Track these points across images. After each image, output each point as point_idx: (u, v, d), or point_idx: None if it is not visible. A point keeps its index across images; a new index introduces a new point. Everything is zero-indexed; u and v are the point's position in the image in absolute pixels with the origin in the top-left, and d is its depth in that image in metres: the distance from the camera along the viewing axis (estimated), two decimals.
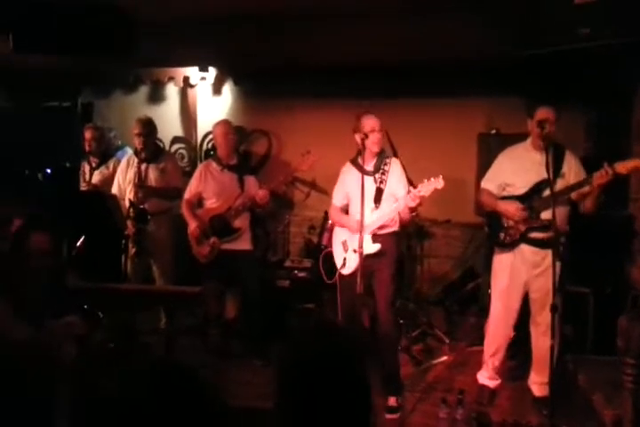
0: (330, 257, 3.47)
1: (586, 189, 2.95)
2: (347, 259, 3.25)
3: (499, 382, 3.36)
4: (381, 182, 3.22)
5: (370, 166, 3.26)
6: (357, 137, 3.20)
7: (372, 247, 3.14)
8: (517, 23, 3.79)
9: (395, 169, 3.27)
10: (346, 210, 3.43)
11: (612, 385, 2.79)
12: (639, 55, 3.61)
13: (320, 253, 4.17)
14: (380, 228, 3.19)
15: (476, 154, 4.63)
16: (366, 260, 3.07)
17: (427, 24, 4.18)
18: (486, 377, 3.35)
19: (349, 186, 3.30)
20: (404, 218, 3.26)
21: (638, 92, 4.00)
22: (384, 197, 3.21)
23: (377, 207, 3.20)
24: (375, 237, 3.17)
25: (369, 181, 3.19)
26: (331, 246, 3.69)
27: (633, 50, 3.43)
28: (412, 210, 3.13)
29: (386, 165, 3.25)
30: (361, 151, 3.23)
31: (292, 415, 1.18)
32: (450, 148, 4.96)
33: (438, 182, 2.98)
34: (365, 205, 3.11)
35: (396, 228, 3.31)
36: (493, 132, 4.61)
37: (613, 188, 3.74)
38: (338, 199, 3.42)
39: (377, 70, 4.69)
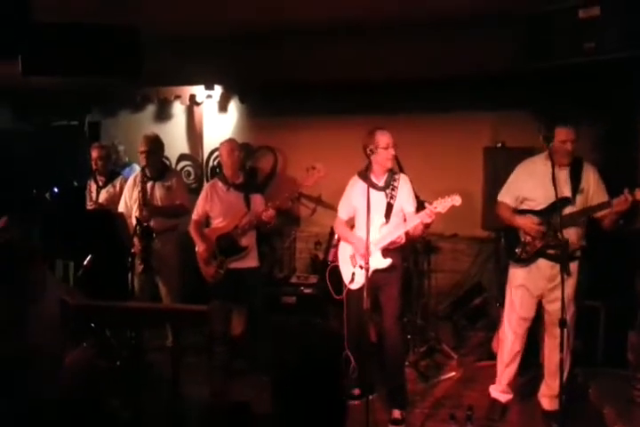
0: (337, 272, 3.45)
1: (606, 211, 2.96)
2: (355, 273, 3.22)
3: (510, 396, 3.34)
4: (392, 198, 3.22)
5: (381, 182, 3.27)
6: (369, 152, 3.19)
7: (383, 262, 3.14)
8: (523, 38, 3.81)
9: (404, 185, 3.28)
10: (351, 224, 3.42)
11: (623, 399, 2.75)
12: None
13: (326, 268, 4.17)
14: (391, 243, 3.18)
15: (482, 167, 4.64)
16: (375, 275, 3.08)
17: (432, 40, 4.22)
18: (498, 391, 3.34)
19: (357, 199, 3.27)
20: (414, 234, 3.23)
21: None
22: (393, 211, 3.22)
23: (387, 222, 3.20)
24: (385, 253, 3.16)
25: (379, 196, 3.20)
26: (337, 262, 3.69)
27: (637, 63, 3.44)
28: (426, 226, 3.10)
29: (395, 181, 3.26)
30: (370, 166, 3.25)
31: (284, 413, 1.29)
32: (456, 161, 4.97)
33: (455, 200, 2.96)
34: (375, 219, 3.13)
35: (401, 243, 3.30)
36: (499, 145, 4.62)
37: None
38: (344, 213, 3.42)
39: (382, 86, 4.72)
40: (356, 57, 4.38)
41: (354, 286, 3.24)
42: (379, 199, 3.18)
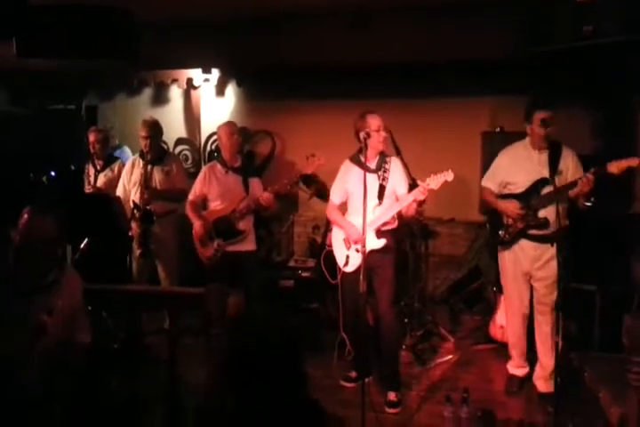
0: (332, 257, 3.47)
1: (575, 191, 3.02)
2: (349, 256, 3.27)
3: (527, 369, 3.44)
4: (384, 180, 3.25)
5: (372, 164, 3.28)
6: (361, 135, 3.20)
7: (376, 243, 3.17)
8: (521, 22, 3.79)
9: (395, 168, 3.30)
10: (344, 208, 3.44)
11: (618, 382, 2.76)
12: None
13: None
14: (384, 224, 3.21)
15: (480, 152, 4.63)
16: (369, 256, 3.09)
17: (431, 24, 4.20)
18: (514, 366, 3.45)
19: (350, 183, 3.31)
20: (408, 214, 3.26)
21: None
22: (386, 193, 3.24)
23: (380, 204, 3.22)
24: (379, 234, 3.19)
25: (372, 178, 3.20)
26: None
27: (637, 47, 3.42)
28: (419, 204, 3.13)
29: (387, 163, 3.29)
30: (362, 149, 3.24)
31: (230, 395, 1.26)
32: (454, 146, 4.96)
33: (448, 175, 2.99)
34: (368, 201, 3.10)
35: (394, 225, 3.33)
36: (497, 130, 4.60)
37: (622, 186, 3.75)
38: (336, 197, 3.44)
39: (381, 70, 4.69)
40: (355, 41, 4.35)
41: (348, 269, 3.28)
42: (371, 182, 3.18)
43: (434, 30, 4.20)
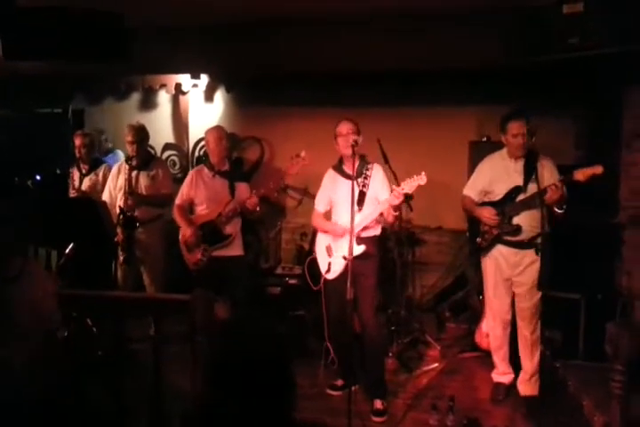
0: (315, 263, 3.47)
1: (546, 198, 3.06)
2: (331, 263, 3.28)
3: (512, 376, 3.45)
4: (364, 186, 3.26)
5: (352, 171, 3.26)
6: (336, 144, 3.29)
7: (356, 249, 3.15)
8: (508, 32, 3.83)
9: (377, 174, 3.31)
10: (328, 216, 3.45)
11: (601, 391, 2.79)
12: (627, 64, 3.67)
13: (311, 260, 4.17)
14: (364, 229, 3.22)
15: (468, 161, 4.66)
16: (351, 264, 3.07)
17: (420, 34, 4.23)
18: (498, 373, 3.47)
19: (333, 191, 3.35)
20: (387, 220, 3.28)
21: (626, 101, 4.05)
22: (367, 200, 3.25)
23: (360, 210, 3.22)
24: (359, 240, 3.18)
25: (350, 185, 3.20)
26: None
27: (621, 59, 3.48)
28: (395, 209, 3.12)
29: (368, 170, 3.30)
30: (342, 158, 3.32)
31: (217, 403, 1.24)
32: (442, 155, 4.99)
33: (421, 179, 3.00)
34: (347, 209, 3.11)
35: (377, 231, 3.34)
36: (484, 139, 4.65)
37: (607, 196, 3.79)
38: (321, 205, 3.46)
39: (369, 78, 4.71)
40: (344, 49, 4.37)
41: (330, 276, 3.28)
42: (350, 188, 3.18)
43: (422, 40, 4.24)
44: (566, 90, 4.43)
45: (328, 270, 3.29)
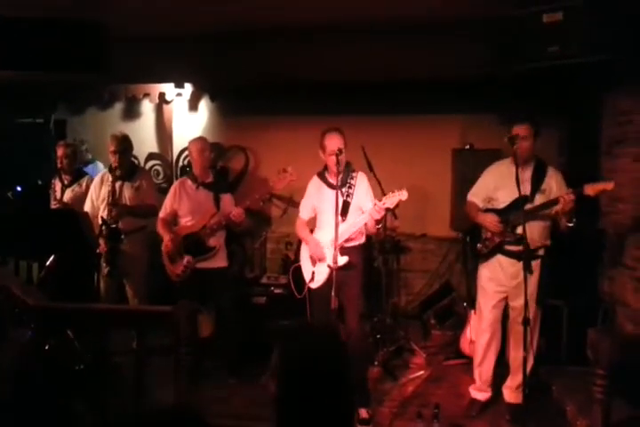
0: (300, 271, 3.46)
1: (557, 209, 3.03)
2: (315, 273, 3.26)
3: (489, 394, 3.41)
4: (348, 196, 3.25)
5: (337, 180, 3.24)
6: (321, 154, 3.27)
7: (340, 260, 3.14)
8: (491, 41, 3.89)
9: (361, 183, 3.30)
10: (312, 224, 3.45)
11: (584, 395, 2.82)
12: (606, 72, 3.74)
13: (297, 269, 4.16)
14: (347, 240, 3.20)
15: (451, 169, 4.71)
16: (335, 273, 3.07)
17: (403, 43, 4.27)
18: (476, 389, 3.43)
19: (317, 199, 3.34)
20: (370, 231, 3.29)
21: (606, 108, 4.13)
22: (351, 209, 3.24)
23: (344, 220, 3.20)
24: (342, 250, 3.16)
25: (334, 194, 3.19)
26: None
27: (600, 67, 3.54)
28: (377, 222, 3.14)
29: (352, 178, 3.29)
30: (326, 165, 3.31)
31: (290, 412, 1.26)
32: (425, 163, 5.04)
33: (402, 194, 3.01)
34: (333, 218, 3.11)
35: (361, 240, 3.34)
36: (467, 147, 4.69)
37: (587, 203, 3.84)
38: (305, 213, 3.44)
39: (353, 87, 4.74)
40: (329, 58, 4.40)
41: (314, 285, 3.26)
42: (334, 198, 3.18)
43: (406, 49, 4.29)
44: (549, 98, 4.50)
45: (312, 279, 3.28)
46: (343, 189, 3.25)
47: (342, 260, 3.14)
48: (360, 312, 3.33)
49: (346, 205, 3.24)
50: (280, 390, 1.28)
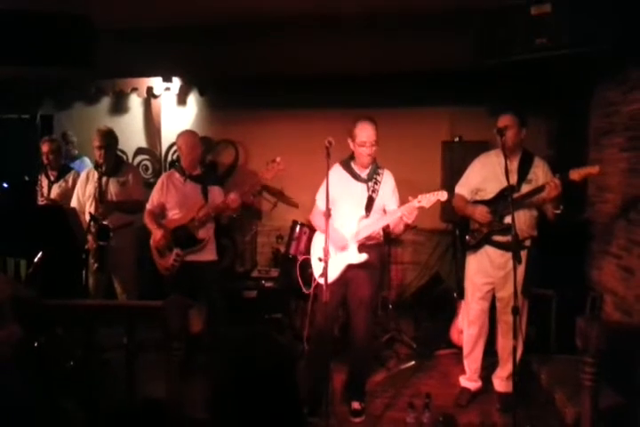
0: (307, 266, 3.31)
1: (543, 195, 3.04)
2: (327, 268, 2.92)
3: (479, 384, 3.44)
4: (373, 191, 3.08)
5: (363, 173, 3.14)
6: (350, 143, 3.10)
7: (357, 257, 3.01)
8: (478, 33, 3.88)
9: (387, 181, 3.14)
10: (327, 215, 3.20)
11: (573, 383, 2.85)
12: (594, 64, 3.75)
13: (288, 262, 4.16)
14: (369, 238, 3.06)
15: (441, 161, 4.72)
16: (348, 270, 3.01)
17: (392, 37, 4.27)
18: (466, 379, 3.46)
19: (335, 188, 2.98)
20: (395, 231, 3.15)
21: (592, 100, 4.15)
22: (374, 207, 3.08)
23: (367, 216, 3.05)
24: (362, 248, 3.04)
25: (360, 187, 3.10)
26: (300, 256, 3.66)
27: (588, 59, 3.56)
28: (406, 226, 2.97)
29: (379, 175, 3.13)
30: (353, 155, 3.15)
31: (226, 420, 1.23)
32: (415, 155, 5.05)
33: (441, 195, 2.86)
34: (355, 212, 3.04)
35: (380, 241, 3.21)
36: (456, 139, 4.70)
37: (574, 193, 3.86)
38: (322, 203, 3.07)
39: (343, 81, 4.73)
40: (318, 52, 4.38)
41: (323, 281, 2.98)
42: (359, 191, 3.08)
43: (394, 42, 4.28)
44: (537, 90, 4.51)
45: (322, 274, 2.94)
46: (369, 184, 3.09)
47: (360, 257, 3.00)
48: (369, 315, 3.15)
49: (370, 201, 3.07)
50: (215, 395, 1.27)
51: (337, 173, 3.14)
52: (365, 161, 3.08)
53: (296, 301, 4.27)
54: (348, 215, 3.05)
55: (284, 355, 1.31)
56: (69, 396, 2.60)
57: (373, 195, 3.08)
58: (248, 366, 1.25)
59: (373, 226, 3.02)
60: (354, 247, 3.04)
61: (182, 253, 3.55)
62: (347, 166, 3.16)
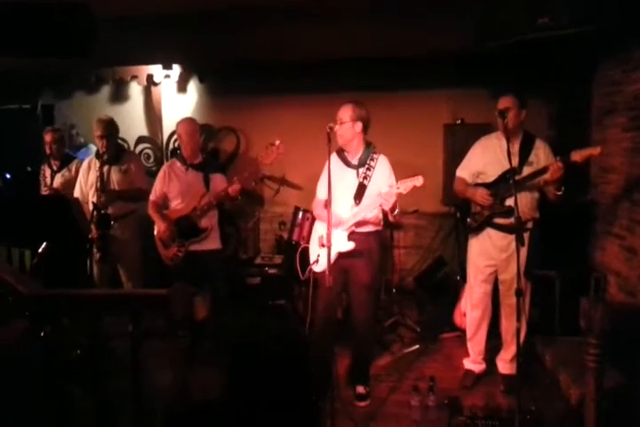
0: (306, 253, 3.28)
1: (546, 177, 3.02)
2: (320, 255, 3.04)
3: (483, 366, 3.47)
4: (365, 178, 3.01)
5: (354, 160, 3.08)
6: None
7: (345, 246, 2.97)
8: (479, 14, 3.83)
9: (381, 166, 3.05)
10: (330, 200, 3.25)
11: (577, 365, 2.86)
12: (596, 43, 3.70)
13: (291, 249, 4.17)
14: (360, 225, 3.01)
15: (442, 144, 4.69)
16: (340, 258, 2.97)
17: (392, 20, 4.22)
18: (470, 362, 3.48)
19: (332, 176, 2.88)
20: (389, 218, 3.07)
21: (596, 79, 4.09)
22: (367, 193, 3.00)
23: (357, 204, 2.99)
24: (352, 235, 2.99)
25: (351, 174, 3.05)
26: (303, 242, 3.67)
27: (590, 38, 3.50)
28: (391, 210, 2.89)
29: (372, 160, 3.05)
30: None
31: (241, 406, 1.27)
32: (417, 138, 5.03)
33: (417, 180, 2.80)
34: (346, 199, 3.00)
35: (379, 227, 3.14)
36: (458, 122, 4.67)
37: (577, 174, 3.84)
38: (322, 192, 3.13)
39: (343, 65, 4.69)
40: (316, 36, 4.34)
41: (317, 269, 3.07)
42: (350, 178, 3.03)
43: (395, 25, 4.23)
44: (538, 72, 4.45)
45: (316, 262, 3.07)
46: (360, 170, 3.03)
47: (348, 245, 2.96)
48: (370, 300, 3.14)
49: (361, 189, 3.00)
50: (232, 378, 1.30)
51: (333, 160, 3.08)
52: (340, 143, 3.02)
53: (299, 287, 4.29)
54: (340, 203, 2.99)
55: (300, 341, 1.33)
56: (76, 384, 2.64)
57: (364, 182, 3.01)
58: (264, 353, 1.28)
59: (360, 213, 2.96)
60: (343, 235, 2.99)
61: (186, 244, 3.56)
62: (340, 153, 3.15)
